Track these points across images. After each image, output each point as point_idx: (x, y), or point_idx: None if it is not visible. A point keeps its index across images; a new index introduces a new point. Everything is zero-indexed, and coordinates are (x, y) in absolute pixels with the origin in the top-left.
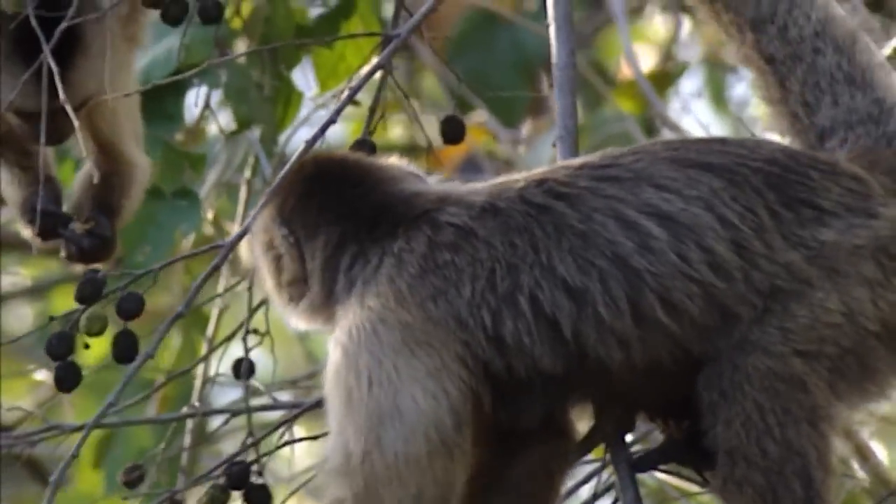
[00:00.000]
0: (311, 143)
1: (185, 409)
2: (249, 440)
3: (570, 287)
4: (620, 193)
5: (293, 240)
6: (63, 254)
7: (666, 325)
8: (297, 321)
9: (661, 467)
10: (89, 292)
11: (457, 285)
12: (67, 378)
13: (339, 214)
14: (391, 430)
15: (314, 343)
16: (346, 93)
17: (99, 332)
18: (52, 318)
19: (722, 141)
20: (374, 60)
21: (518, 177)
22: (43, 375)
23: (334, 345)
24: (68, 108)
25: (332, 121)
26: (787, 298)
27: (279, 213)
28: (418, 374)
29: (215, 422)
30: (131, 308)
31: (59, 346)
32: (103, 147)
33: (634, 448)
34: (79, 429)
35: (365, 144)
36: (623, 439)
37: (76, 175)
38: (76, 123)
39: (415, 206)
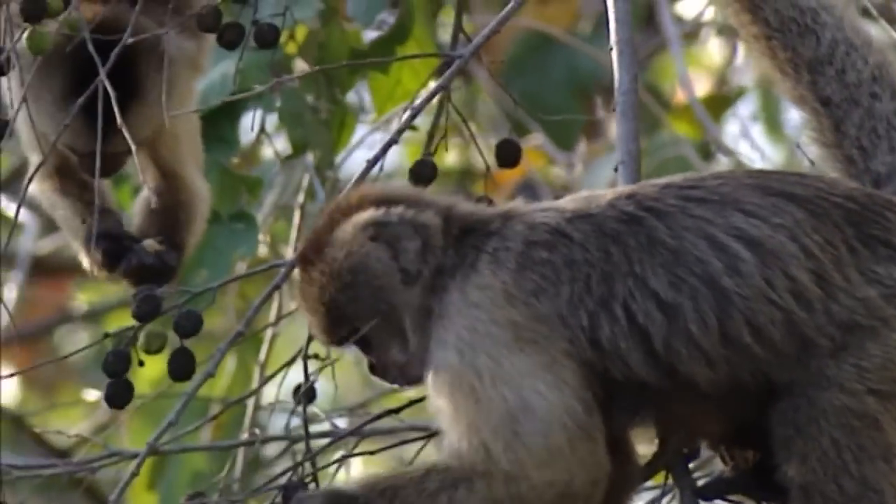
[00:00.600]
0: (372, 163)
1: (244, 436)
2: (301, 458)
3: (662, 301)
4: (708, 215)
5: (410, 214)
6: (123, 266)
7: (750, 347)
8: (414, 339)
9: (727, 497)
10: (147, 310)
11: (555, 284)
12: (119, 395)
13: (431, 205)
14: (528, 425)
15: None
16: (404, 115)
17: (158, 350)
18: (106, 335)
19: (801, 174)
20: (433, 83)
21: (602, 192)
22: (94, 397)
23: (445, 347)
24: (129, 142)
25: (393, 141)
26: (863, 335)
27: (379, 206)
28: (535, 370)
29: (271, 448)
30: (189, 326)
31: (116, 364)
32: (166, 175)
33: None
34: (139, 455)
35: (426, 165)
36: (687, 466)
37: (134, 201)
38: (135, 159)
39: (505, 212)
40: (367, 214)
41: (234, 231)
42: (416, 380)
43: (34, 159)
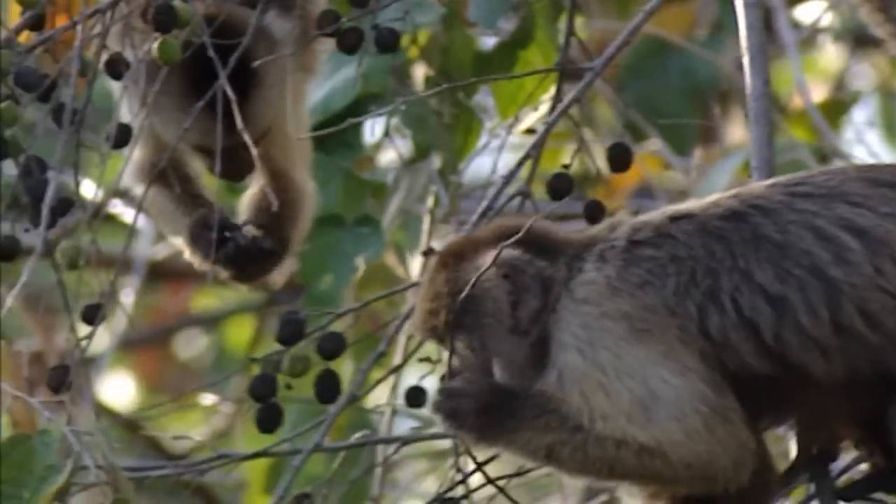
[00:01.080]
0: (507, 179)
1: (356, 436)
2: (458, 477)
3: (770, 294)
4: (814, 207)
5: (547, 273)
6: (221, 254)
7: (865, 335)
8: (511, 369)
9: (868, 497)
10: (290, 333)
11: (660, 277)
12: (269, 419)
13: (556, 250)
14: (661, 413)
15: None
16: (525, 121)
17: (302, 373)
18: (252, 360)
19: None
20: (552, 89)
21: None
22: (212, 401)
23: (565, 349)
24: (249, 144)
25: (528, 156)
26: None
27: (524, 249)
28: (655, 359)
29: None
30: (332, 348)
31: (263, 388)
32: (275, 174)
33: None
34: (248, 458)
35: (562, 178)
36: (827, 469)
37: (242, 198)
38: (256, 160)
39: (613, 220)
40: (513, 254)
41: (358, 235)
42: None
43: (135, 154)
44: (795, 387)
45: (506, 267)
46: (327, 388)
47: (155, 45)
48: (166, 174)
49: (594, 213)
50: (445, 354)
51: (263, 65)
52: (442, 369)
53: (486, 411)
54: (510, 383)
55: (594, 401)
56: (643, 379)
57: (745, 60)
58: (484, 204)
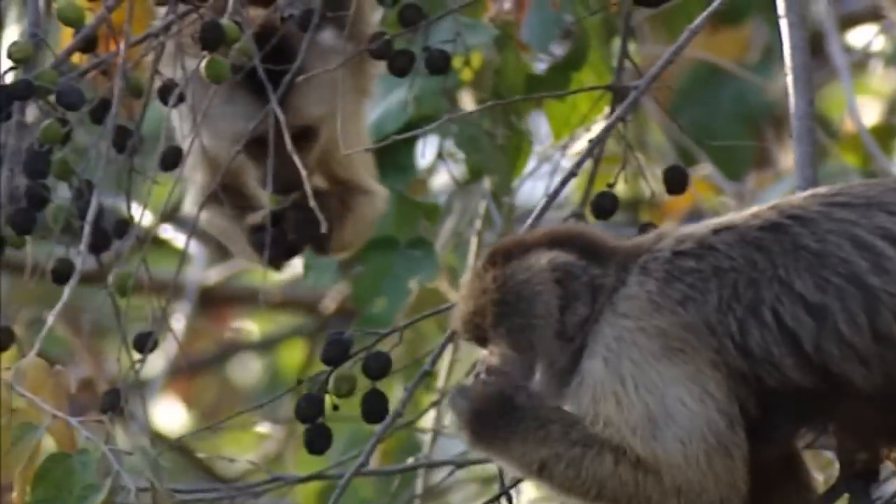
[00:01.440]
0: (552, 197)
1: (409, 461)
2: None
3: (810, 303)
4: (852, 217)
5: (599, 281)
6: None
7: None
8: (550, 370)
9: None
10: (336, 353)
11: (703, 292)
12: (318, 440)
13: (606, 257)
14: (667, 432)
15: None
16: (576, 144)
17: (348, 394)
18: (300, 381)
19: None
20: (606, 111)
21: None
22: (267, 428)
23: (592, 357)
24: (290, 149)
25: (572, 174)
26: None
27: (577, 253)
28: (680, 379)
29: (439, 474)
30: (378, 367)
31: (309, 409)
32: (340, 184)
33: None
34: (300, 480)
35: (607, 197)
36: (867, 488)
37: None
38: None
39: (659, 232)
40: (566, 258)
41: (411, 258)
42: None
43: (197, 178)
44: (837, 399)
45: (559, 271)
46: (374, 407)
47: (203, 64)
48: (227, 192)
49: (602, 207)
50: (484, 353)
51: (312, 63)
52: (479, 367)
53: (486, 414)
54: (523, 392)
55: (603, 406)
56: (661, 396)
57: (789, 80)
58: (528, 222)
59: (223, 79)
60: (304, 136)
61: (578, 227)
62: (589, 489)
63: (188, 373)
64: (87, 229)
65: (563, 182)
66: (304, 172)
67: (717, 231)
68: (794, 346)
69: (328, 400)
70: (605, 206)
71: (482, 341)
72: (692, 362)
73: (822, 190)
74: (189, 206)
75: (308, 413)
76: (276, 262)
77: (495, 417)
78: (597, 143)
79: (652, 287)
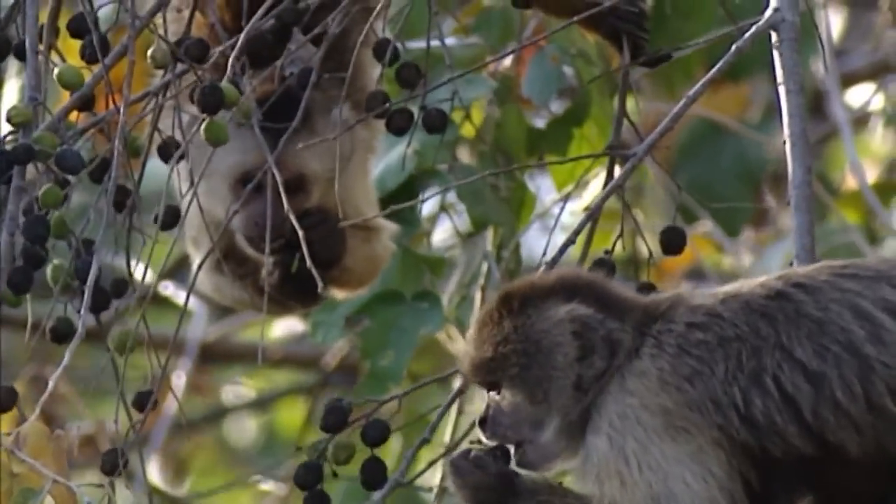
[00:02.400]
0: (552, 263)
1: None
2: None
3: (808, 371)
4: (857, 288)
5: (616, 336)
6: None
7: (894, 414)
8: (560, 425)
9: None
10: (334, 421)
11: (710, 364)
12: None
13: (621, 309)
14: None
15: None
16: (579, 201)
17: (346, 461)
18: (298, 448)
19: None
20: (602, 173)
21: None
22: (267, 485)
23: (597, 433)
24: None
25: (570, 241)
26: None
27: (596, 307)
28: (682, 458)
29: None
30: (377, 435)
31: (308, 476)
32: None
33: None
34: None
35: (604, 264)
36: None
37: None
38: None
39: (675, 295)
40: (586, 311)
41: (418, 310)
42: (522, 459)
43: (204, 242)
44: (835, 468)
45: (577, 323)
46: (373, 474)
47: (203, 127)
48: (230, 258)
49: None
50: (488, 400)
51: (318, 117)
52: (481, 413)
53: (484, 491)
54: (518, 471)
55: (608, 487)
56: (665, 476)
57: (788, 148)
58: (530, 286)
59: (222, 142)
60: (298, 186)
61: (591, 276)
62: None
63: (187, 430)
64: (87, 291)
65: (562, 250)
66: (288, 220)
67: (724, 300)
68: (795, 414)
69: (327, 467)
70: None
71: (493, 387)
72: (695, 441)
73: (834, 262)
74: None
75: (307, 480)
76: (311, 301)
77: (494, 493)
78: (595, 212)
79: (664, 365)
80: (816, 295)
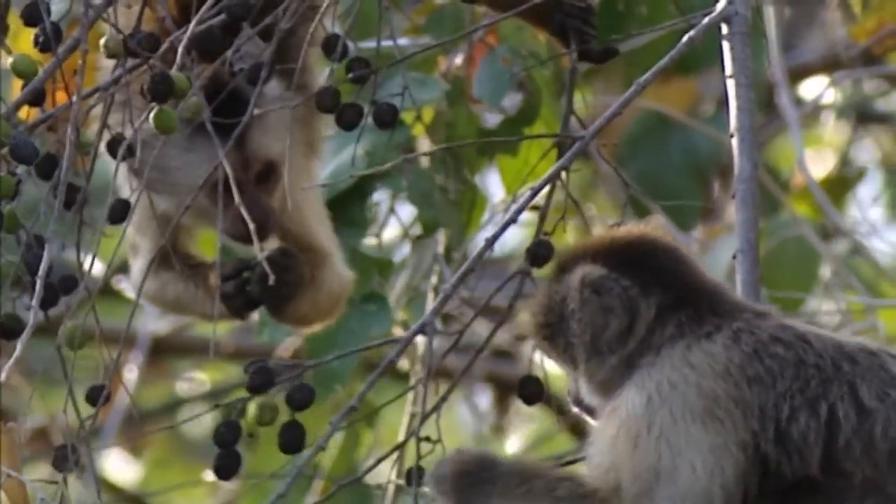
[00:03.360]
0: (491, 241)
1: None
2: None
3: (863, 406)
4: None
5: (633, 293)
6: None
7: None
8: (590, 384)
9: None
10: (260, 381)
11: (776, 377)
12: (227, 467)
13: (678, 280)
14: (664, 489)
15: (489, 448)
16: (525, 195)
17: (270, 422)
18: (216, 406)
19: None
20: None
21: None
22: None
23: (640, 390)
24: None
25: (512, 220)
26: None
27: (614, 268)
28: (702, 446)
29: None
30: (302, 399)
31: (228, 435)
32: (297, 246)
33: None
34: None
35: (543, 245)
36: None
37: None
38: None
39: (762, 310)
40: (598, 272)
41: (366, 312)
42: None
43: (144, 245)
44: (829, 495)
45: (588, 288)
46: (292, 438)
47: (152, 115)
48: (169, 258)
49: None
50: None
51: (260, 105)
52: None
53: (467, 474)
54: (500, 453)
55: (621, 444)
56: (677, 455)
57: (735, 142)
58: (463, 268)
59: (172, 131)
60: (267, 175)
61: (652, 238)
62: None
63: (140, 424)
64: (39, 285)
65: (503, 227)
66: (274, 208)
67: (819, 336)
68: (829, 439)
69: (244, 427)
70: (540, 253)
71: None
72: (724, 435)
73: None
74: (136, 273)
75: (226, 438)
76: (241, 314)
77: (475, 476)
78: (538, 190)
79: (735, 357)
80: None
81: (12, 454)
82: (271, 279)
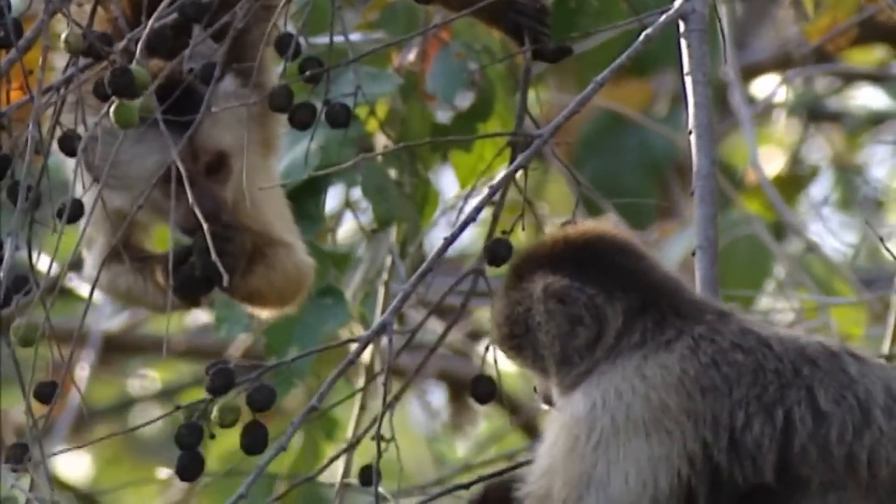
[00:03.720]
0: (450, 241)
1: None
2: None
3: (819, 410)
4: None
5: (599, 301)
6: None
7: (858, 472)
8: (559, 389)
9: None
10: (221, 383)
11: (732, 385)
12: (190, 468)
13: (640, 280)
14: (593, 497)
15: (442, 446)
16: (483, 192)
17: (231, 424)
18: (178, 407)
19: None
20: (508, 161)
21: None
22: (167, 475)
23: (587, 394)
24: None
25: (471, 219)
26: None
27: (576, 276)
28: (641, 457)
29: None
30: (263, 400)
31: (189, 436)
32: (256, 240)
33: None
34: None
35: (501, 244)
36: None
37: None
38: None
39: (723, 310)
40: (561, 283)
41: (322, 306)
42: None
43: (99, 239)
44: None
45: (553, 299)
46: (254, 439)
47: (112, 109)
48: (119, 252)
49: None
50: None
51: (212, 98)
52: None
53: None
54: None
55: (558, 446)
56: (610, 463)
57: (693, 138)
58: (424, 267)
59: (132, 125)
60: (218, 166)
61: (607, 243)
62: None
63: (91, 422)
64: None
65: (462, 227)
66: (225, 200)
67: (781, 339)
68: (784, 444)
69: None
70: (499, 252)
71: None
72: (668, 446)
73: None
74: (90, 268)
75: (188, 441)
76: (193, 299)
77: None
78: (497, 190)
79: (690, 369)
80: (865, 366)
81: None
82: (212, 251)
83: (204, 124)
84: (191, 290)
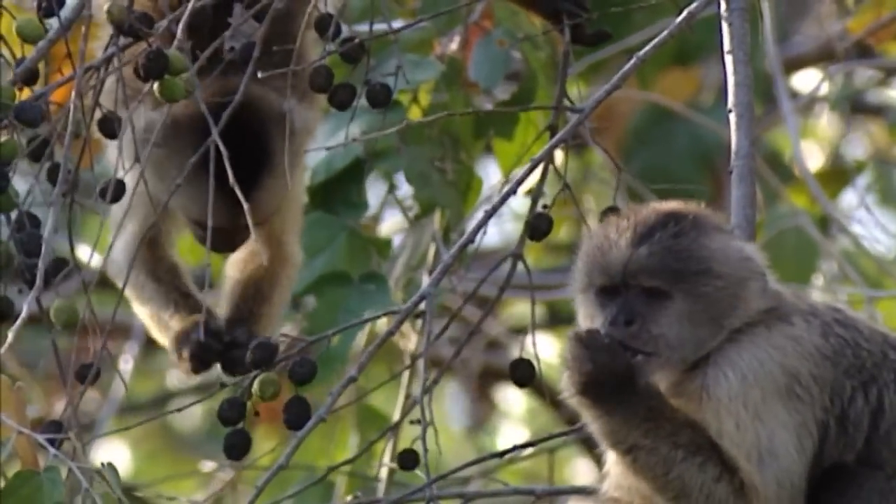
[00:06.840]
0: (491, 213)
1: (348, 499)
2: None
3: None
4: None
5: (769, 286)
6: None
7: None
8: (711, 345)
9: None
10: (262, 356)
11: (840, 356)
12: (237, 447)
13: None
14: (769, 470)
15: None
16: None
17: (272, 397)
18: (223, 385)
19: None
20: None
21: None
22: (209, 468)
23: (732, 367)
24: (250, 224)
25: (512, 191)
26: None
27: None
28: (789, 425)
29: None
30: (305, 373)
31: (231, 412)
32: (268, 239)
33: None
34: None
35: (543, 219)
36: None
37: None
38: (253, 235)
39: (813, 303)
40: (757, 257)
41: (365, 292)
42: (643, 367)
43: (129, 224)
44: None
45: (756, 264)
46: (297, 413)
47: (157, 86)
48: (153, 248)
49: (538, 228)
50: (632, 304)
51: (277, 149)
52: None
53: (603, 384)
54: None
55: (725, 423)
56: (771, 434)
57: (732, 118)
58: (463, 239)
59: (178, 99)
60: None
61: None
62: (671, 488)
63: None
64: (41, 267)
65: (502, 200)
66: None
67: (867, 323)
68: (874, 426)
69: (250, 405)
70: (540, 227)
71: (659, 294)
72: (804, 413)
73: None
74: (117, 251)
75: (230, 415)
76: (198, 371)
77: (610, 389)
78: (538, 162)
79: (816, 339)
80: None
81: (21, 412)
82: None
83: (260, 193)
84: (199, 368)
